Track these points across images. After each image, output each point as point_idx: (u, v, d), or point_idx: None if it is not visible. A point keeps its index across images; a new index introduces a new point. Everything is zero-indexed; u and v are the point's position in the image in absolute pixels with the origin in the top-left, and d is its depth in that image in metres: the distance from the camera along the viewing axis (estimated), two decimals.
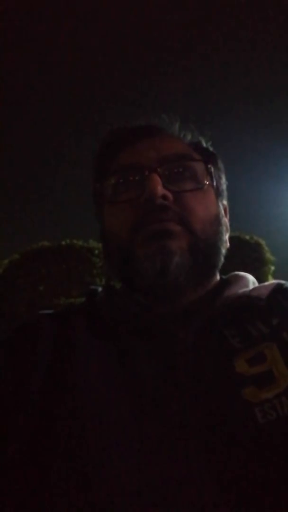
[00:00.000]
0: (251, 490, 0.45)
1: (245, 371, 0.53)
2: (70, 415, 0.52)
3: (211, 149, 0.73)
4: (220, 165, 0.74)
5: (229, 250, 0.73)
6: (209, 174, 0.67)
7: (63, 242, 5.90)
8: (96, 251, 5.72)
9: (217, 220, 0.68)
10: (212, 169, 0.68)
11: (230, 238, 0.74)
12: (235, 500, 0.45)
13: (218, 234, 0.67)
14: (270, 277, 5.63)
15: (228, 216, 0.75)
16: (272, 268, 5.88)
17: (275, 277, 5.67)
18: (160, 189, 0.61)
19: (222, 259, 0.70)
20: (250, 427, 0.49)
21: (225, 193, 0.74)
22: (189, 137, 0.70)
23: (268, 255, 5.88)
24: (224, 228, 0.70)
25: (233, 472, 0.46)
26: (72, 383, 0.55)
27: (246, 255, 5.49)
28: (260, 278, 0.74)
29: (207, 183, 0.66)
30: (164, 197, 0.62)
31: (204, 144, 0.72)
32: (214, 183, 0.69)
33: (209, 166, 0.67)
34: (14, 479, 0.50)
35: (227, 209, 0.75)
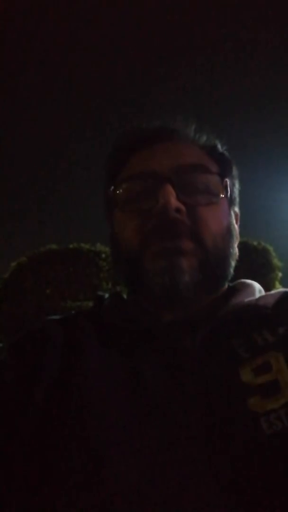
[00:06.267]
0: (252, 495, 0.45)
1: (250, 381, 0.53)
2: (73, 416, 0.53)
3: (226, 154, 0.71)
4: (235, 172, 0.72)
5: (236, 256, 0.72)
6: (224, 187, 0.65)
7: (71, 246, 5.93)
8: (103, 255, 5.73)
9: (228, 233, 0.66)
10: (228, 182, 0.66)
11: (238, 244, 0.73)
12: (236, 504, 0.45)
13: (229, 247, 0.66)
14: (277, 283, 5.60)
15: (238, 223, 0.74)
16: (280, 274, 5.85)
17: (282, 284, 5.64)
18: (174, 202, 0.60)
19: (232, 271, 0.69)
20: (256, 437, 0.48)
21: (237, 200, 0.73)
22: (204, 140, 0.69)
23: (276, 261, 5.84)
24: (235, 238, 0.69)
25: (234, 477, 0.46)
26: (77, 387, 0.56)
27: (254, 261, 5.47)
28: (267, 284, 0.74)
29: (222, 196, 0.65)
30: (177, 210, 0.60)
31: (220, 149, 0.70)
32: (228, 194, 0.67)
33: (225, 180, 0.65)
34: (15, 478, 0.50)
35: (238, 216, 0.74)
